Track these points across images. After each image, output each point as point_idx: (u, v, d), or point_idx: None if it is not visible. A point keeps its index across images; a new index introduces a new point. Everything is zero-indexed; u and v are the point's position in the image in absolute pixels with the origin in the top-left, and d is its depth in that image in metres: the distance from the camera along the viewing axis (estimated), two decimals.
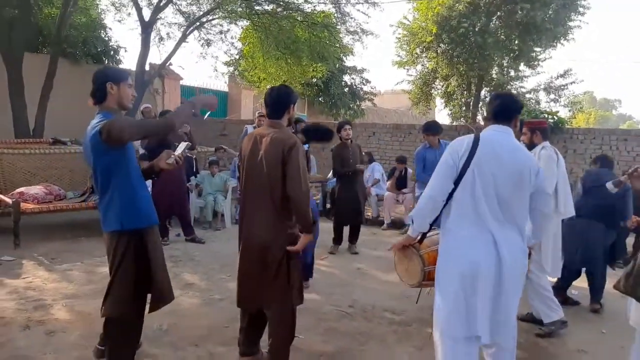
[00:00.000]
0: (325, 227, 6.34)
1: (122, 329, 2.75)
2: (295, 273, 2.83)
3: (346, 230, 6.30)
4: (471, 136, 2.48)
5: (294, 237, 2.78)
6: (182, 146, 3.02)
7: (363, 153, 6.71)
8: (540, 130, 4.15)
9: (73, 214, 7.03)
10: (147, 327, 3.33)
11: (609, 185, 4.38)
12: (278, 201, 2.72)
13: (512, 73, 14.91)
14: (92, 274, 4.95)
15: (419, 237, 2.78)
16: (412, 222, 2.66)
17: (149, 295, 2.82)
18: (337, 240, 6.26)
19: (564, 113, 14.66)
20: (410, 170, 8.18)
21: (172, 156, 2.84)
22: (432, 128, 5.95)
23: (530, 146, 4.10)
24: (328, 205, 8.07)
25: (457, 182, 2.43)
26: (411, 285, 3.19)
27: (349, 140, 6.13)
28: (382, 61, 49.85)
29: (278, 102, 2.87)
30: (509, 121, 2.56)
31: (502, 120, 2.55)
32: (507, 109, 2.57)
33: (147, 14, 11.23)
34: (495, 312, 2.39)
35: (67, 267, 5.14)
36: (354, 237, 6.31)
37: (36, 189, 6.50)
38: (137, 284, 2.69)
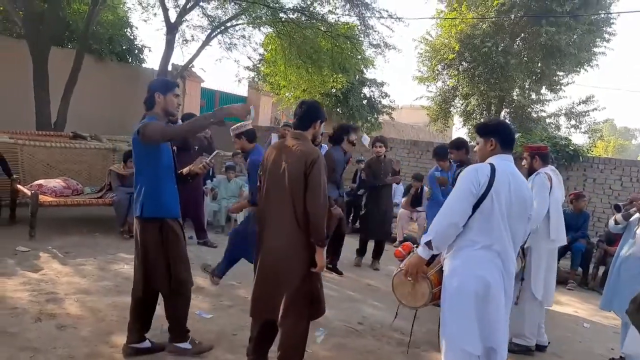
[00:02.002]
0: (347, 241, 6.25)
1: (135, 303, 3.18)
2: (315, 286, 2.84)
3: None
4: (488, 166, 2.60)
5: (314, 248, 2.79)
6: (214, 154, 3.47)
7: (397, 169, 6.93)
8: (540, 155, 4.14)
9: (89, 209, 7.12)
10: (154, 328, 3.36)
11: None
12: (300, 212, 2.74)
13: (534, 96, 14.78)
14: (105, 270, 4.98)
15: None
16: (425, 244, 2.67)
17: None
18: (361, 251, 6.35)
19: (583, 140, 14.54)
20: (426, 189, 8.13)
21: (203, 161, 3.29)
22: (439, 154, 6.02)
23: (530, 171, 4.09)
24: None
25: (475, 207, 2.55)
26: (412, 307, 3.15)
27: (382, 156, 6.24)
28: (402, 75, 49.91)
29: (307, 115, 2.93)
30: (512, 150, 2.77)
31: (508, 150, 2.73)
32: (513, 139, 2.79)
33: (173, 15, 11.37)
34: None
35: (81, 261, 5.18)
36: (378, 252, 6.34)
37: (55, 182, 6.58)
38: (166, 266, 3.09)
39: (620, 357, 3.93)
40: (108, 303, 4.08)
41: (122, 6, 13.03)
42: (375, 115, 17.14)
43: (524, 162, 4.23)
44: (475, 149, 2.98)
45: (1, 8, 10.50)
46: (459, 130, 18.76)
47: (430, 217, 6.09)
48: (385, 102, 17.39)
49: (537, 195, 3.82)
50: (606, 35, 13.28)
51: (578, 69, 13.77)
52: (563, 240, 4.14)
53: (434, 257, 2.89)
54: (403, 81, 79.52)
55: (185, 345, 3.25)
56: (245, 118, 3.05)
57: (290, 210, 2.75)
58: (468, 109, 14.93)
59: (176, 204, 3.18)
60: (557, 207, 4.07)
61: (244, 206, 4.90)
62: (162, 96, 3.09)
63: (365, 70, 15.55)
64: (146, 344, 3.22)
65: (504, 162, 2.64)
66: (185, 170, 3.37)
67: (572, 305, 5.76)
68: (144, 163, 3.05)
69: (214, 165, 3.36)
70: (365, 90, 17.00)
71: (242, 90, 16.51)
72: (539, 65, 13.70)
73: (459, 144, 5.25)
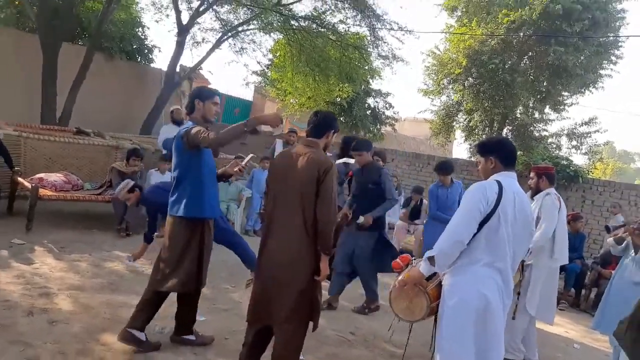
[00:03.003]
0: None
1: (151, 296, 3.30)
2: (316, 295, 2.86)
3: None
4: (495, 183, 2.60)
5: (319, 256, 2.82)
6: (248, 157, 3.70)
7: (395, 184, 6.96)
8: (546, 175, 4.22)
9: (88, 205, 7.13)
10: (149, 328, 3.37)
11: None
12: (309, 220, 2.76)
13: (537, 115, 14.81)
14: (99, 267, 4.98)
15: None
16: (427, 260, 2.66)
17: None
18: None
19: (582, 161, 14.53)
20: (425, 202, 8.14)
21: (239, 165, 3.52)
22: (443, 168, 6.10)
23: (536, 191, 4.15)
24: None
25: (481, 224, 2.54)
26: (409, 321, 3.13)
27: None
28: (407, 87, 49.97)
29: (322, 124, 2.98)
30: (514, 167, 2.77)
31: (510, 167, 2.73)
32: (514, 156, 2.78)
33: (185, 17, 11.46)
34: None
35: (76, 257, 5.18)
36: None
37: (55, 177, 6.59)
38: (199, 264, 3.28)
39: None
40: (101, 300, 4.08)
41: (135, 6, 13.11)
42: (378, 126, 17.19)
43: (530, 182, 4.28)
44: (478, 167, 2.98)
45: (16, 2, 10.59)
46: (460, 145, 18.79)
47: (427, 231, 6.11)
48: (388, 113, 17.46)
49: (547, 214, 3.96)
50: (613, 58, 13.32)
51: (583, 90, 13.81)
52: (565, 260, 4.24)
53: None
54: (407, 93, 79.82)
55: (190, 336, 3.45)
56: (276, 127, 3.07)
57: (299, 217, 2.77)
58: (471, 124, 14.95)
59: (217, 205, 3.46)
60: (563, 227, 4.15)
61: None
62: (201, 103, 3.28)
63: (371, 81, 15.62)
64: (143, 336, 3.30)
65: (508, 180, 2.65)
66: (220, 171, 3.55)
67: (563, 325, 5.74)
68: (187, 166, 3.22)
69: (250, 167, 3.45)
70: (370, 100, 17.06)
71: (248, 94, 16.58)
72: (545, 84, 13.75)
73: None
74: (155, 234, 4.30)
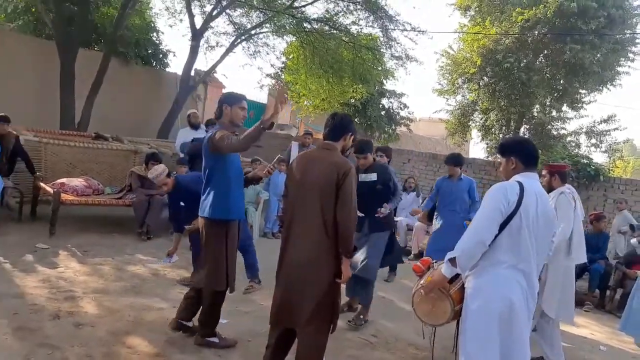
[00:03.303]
0: None
1: (211, 299, 3.42)
2: (336, 299, 2.88)
3: None
4: (517, 184, 2.58)
5: (340, 259, 2.82)
6: (276, 159, 3.91)
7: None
8: (559, 174, 4.19)
9: (109, 209, 7.20)
10: (160, 332, 3.41)
11: (634, 241, 4.32)
12: (329, 222, 2.76)
13: (554, 113, 14.63)
14: (122, 270, 5.04)
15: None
16: (449, 261, 2.64)
17: None
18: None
19: (602, 159, 14.32)
20: None
21: (268, 167, 3.73)
22: (451, 158, 6.03)
23: (548, 189, 4.10)
24: None
25: (502, 226, 2.51)
26: (433, 325, 3.10)
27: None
28: (421, 87, 49.77)
29: (339, 127, 2.97)
30: (535, 167, 2.72)
31: (532, 167, 2.69)
32: (535, 156, 2.73)
33: (198, 22, 11.55)
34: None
35: (99, 261, 5.24)
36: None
37: (76, 182, 6.68)
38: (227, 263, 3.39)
39: None
40: (125, 303, 4.12)
41: (149, 11, 13.25)
42: (393, 127, 17.14)
43: (541, 180, 4.21)
44: (500, 168, 2.95)
45: (33, 10, 10.77)
46: (477, 144, 18.61)
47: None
48: (403, 113, 17.40)
49: (564, 214, 3.89)
50: (631, 55, 13.12)
51: (601, 87, 13.60)
52: (583, 258, 4.14)
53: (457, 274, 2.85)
54: (422, 93, 79.36)
55: (214, 339, 3.50)
56: (284, 101, 3.11)
57: (319, 220, 2.78)
58: (487, 123, 14.81)
59: (243, 207, 3.61)
60: (579, 225, 4.08)
61: None
62: (229, 108, 3.38)
63: (384, 82, 15.59)
64: (190, 324, 3.59)
65: (530, 181, 2.62)
66: (250, 174, 3.74)
67: (588, 327, 5.65)
68: (213, 169, 3.35)
69: (274, 169, 3.83)
70: (384, 101, 17.02)
71: (262, 97, 16.64)
72: (561, 82, 13.58)
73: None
74: (187, 226, 4.32)
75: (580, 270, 6.71)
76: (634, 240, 4.42)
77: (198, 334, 3.50)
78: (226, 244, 3.40)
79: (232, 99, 3.43)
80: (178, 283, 4.84)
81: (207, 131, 5.38)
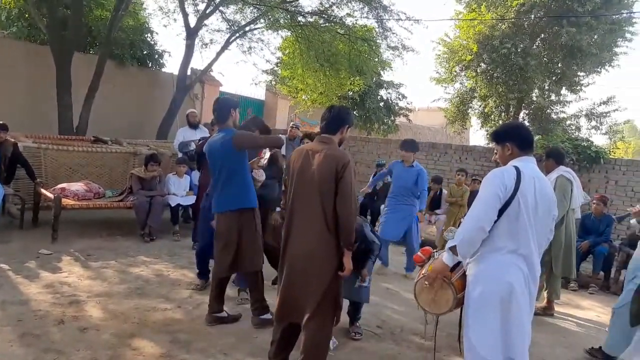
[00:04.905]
0: None
1: (258, 277, 3.89)
2: (339, 292, 2.89)
3: None
4: (513, 169, 2.56)
5: (342, 252, 2.82)
6: (267, 154, 4.22)
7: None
8: (552, 156, 4.27)
9: (110, 212, 7.22)
10: (167, 332, 3.41)
11: (634, 222, 4.43)
12: (330, 216, 2.76)
13: (553, 97, 14.53)
14: (125, 273, 5.04)
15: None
16: (449, 250, 2.65)
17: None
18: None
19: (603, 141, 14.26)
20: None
21: (261, 159, 4.12)
22: (404, 143, 6.19)
23: (545, 173, 4.15)
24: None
25: (500, 211, 2.51)
26: (435, 314, 3.10)
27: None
28: (419, 77, 49.63)
29: (336, 120, 2.97)
30: (532, 151, 2.72)
31: (528, 151, 2.69)
32: (530, 140, 2.72)
33: (192, 20, 11.49)
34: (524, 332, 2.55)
35: (102, 264, 5.25)
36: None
37: (77, 186, 6.69)
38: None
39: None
40: (129, 306, 4.13)
41: (142, 12, 13.19)
42: (392, 118, 17.07)
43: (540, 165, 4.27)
44: (495, 156, 2.95)
45: (27, 16, 10.73)
46: (477, 132, 18.54)
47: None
48: (402, 104, 17.32)
49: (559, 196, 3.95)
50: (628, 35, 13.01)
51: (599, 69, 13.50)
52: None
53: (458, 262, 2.85)
54: (420, 83, 79.09)
55: (267, 315, 3.87)
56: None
57: (320, 214, 2.78)
58: (486, 110, 14.74)
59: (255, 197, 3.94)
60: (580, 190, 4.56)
61: None
62: (234, 112, 3.86)
63: (382, 73, 15.51)
64: (223, 313, 3.92)
65: (527, 165, 2.61)
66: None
67: (594, 309, 5.65)
68: (236, 166, 3.71)
69: (266, 161, 4.26)
70: (382, 92, 16.95)
71: (260, 93, 16.57)
72: (559, 65, 13.48)
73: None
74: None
75: (585, 253, 6.71)
76: (633, 221, 4.42)
77: (253, 314, 3.89)
78: (251, 232, 3.79)
79: (235, 104, 3.95)
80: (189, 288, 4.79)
81: (211, 131, 5.51)
